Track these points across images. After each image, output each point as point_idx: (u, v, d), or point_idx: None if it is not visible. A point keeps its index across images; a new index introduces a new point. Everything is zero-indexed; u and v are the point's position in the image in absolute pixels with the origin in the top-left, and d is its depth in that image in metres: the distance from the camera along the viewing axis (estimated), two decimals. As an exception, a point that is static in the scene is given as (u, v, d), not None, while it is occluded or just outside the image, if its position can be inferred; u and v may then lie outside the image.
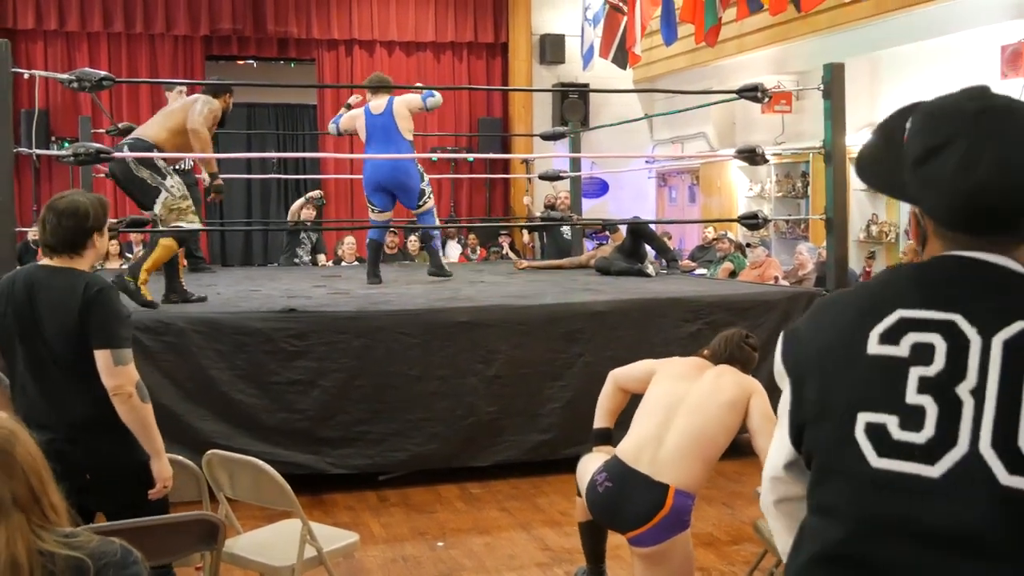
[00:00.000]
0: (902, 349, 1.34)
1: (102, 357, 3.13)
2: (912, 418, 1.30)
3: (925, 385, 1.30)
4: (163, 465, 3.27)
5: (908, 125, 1.52)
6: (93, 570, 1.82)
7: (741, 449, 6.06)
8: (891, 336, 1.35)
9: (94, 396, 3.16)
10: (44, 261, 3.29)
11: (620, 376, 3.98)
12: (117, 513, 3.12)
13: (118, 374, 3.14)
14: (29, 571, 1.80)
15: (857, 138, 9.57)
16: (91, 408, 3.18)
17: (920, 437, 1.29)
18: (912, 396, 1.31)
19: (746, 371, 3.82)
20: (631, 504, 3.48)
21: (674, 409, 3.61)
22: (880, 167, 1.52)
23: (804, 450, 1.46)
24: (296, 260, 10.72)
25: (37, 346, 3.19)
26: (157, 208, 5.95)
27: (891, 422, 1.31)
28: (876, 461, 1.32)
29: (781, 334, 1.50)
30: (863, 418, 1.34)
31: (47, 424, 3.08)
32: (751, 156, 6.69)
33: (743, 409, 3.59)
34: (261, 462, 3.57)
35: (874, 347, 1.35)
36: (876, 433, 1.32)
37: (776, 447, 1.56)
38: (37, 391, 3.22)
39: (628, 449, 3.58)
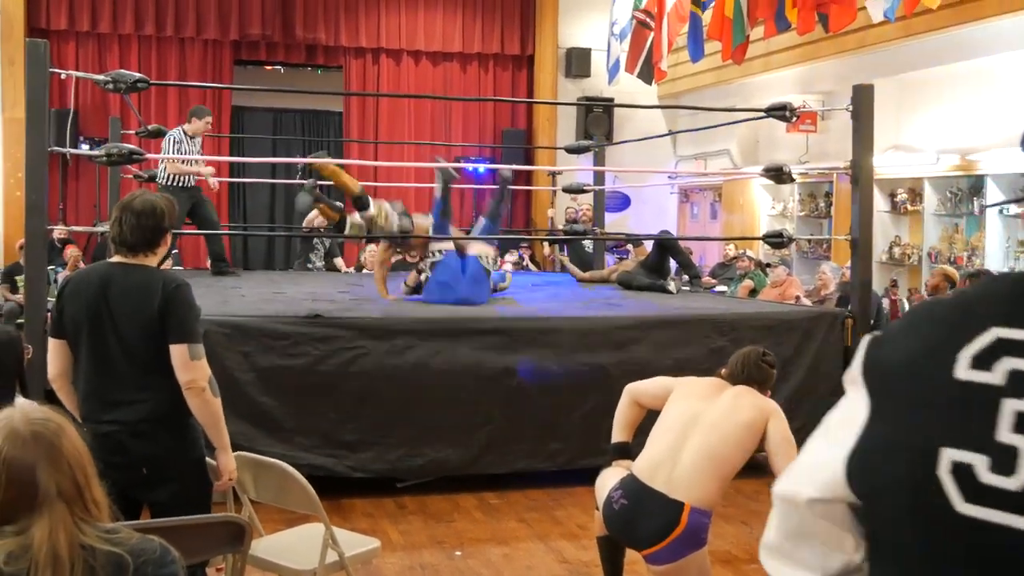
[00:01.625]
0: (996, 376, 1.13)
1: (178, 352, 3.21)
2: (1004, 459, 1.10)
3: (1022, 422, 1.10)
4: (228, 458, 3.40)
5: None
6: (132, 567, 1.85)
7: (760, 468, 6.04)
8: (984, 360, 1.15)
9: (161, 391, 3.25)
10: (117, 258, 3.37)
11: (636, 390, 4.00)
12: (167, 507, 3.18)
13: (193, 368, 3.22)
14: (69, 564, 1.83)
15: (882, 159, 9.56)
16: (157, 403, 3.26)
17: (1013, 483, 1.09)
18: (1005, 434, 1.10)
19: (764, 389, 3.84)
20: (647, 521, 3.50)
21: (690, 428, 3.63)
22: None
23: (858, 484, 1.22)
24: (309, 266, 10.79)
25: (108, 340, 3.26)
26: None
27: (979, 462, 1.11)
28: (962, 506, 1.11)
29: (865, 339, 1.30)
30: (948, 455, 1.13)
31: (111, 417, 3.17)
32: (778, 175, 6.70)
33: (760, 431, 3.62)
34: (287, 465, 3.60)
35: (964, 371, 1.15)
36: (963, 474, 1.12)
37: (811, 466, 1.30)
38: (103, 384, 3.29)
39: (644, 467, 3.62)
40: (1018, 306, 1.16)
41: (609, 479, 3.80)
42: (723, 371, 3.97)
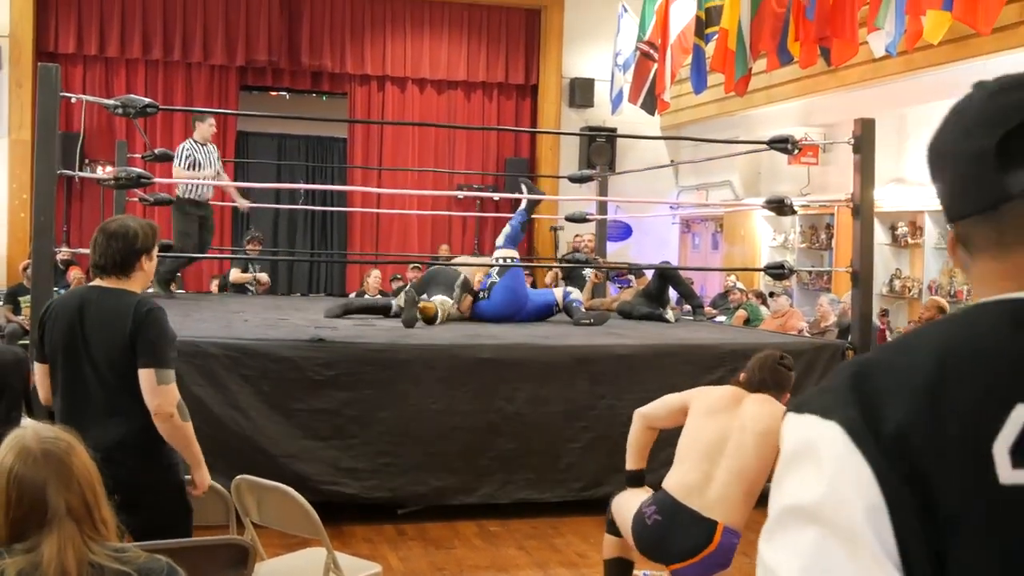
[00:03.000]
0: None
1: (146, 376, 3.20)
2: None
3: None
4: (203, 474, 3.38)
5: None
6: (141, 585, 1.88)
7: (760, 500, 6.04)
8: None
9: (134, 416, 3.23)
10: (96, 282, 3.37)
11: (649, 415, 4.01)
12: (143, 534, 3.16)
13: (160, 393, 3.21)
14: None
15: (884, 192, 9.61)
16: (128, 429, 3.25)
17: None
18: None
19: (782, 395, 3.88)
20: (680, 538, 3.57)
21: (720, 446, 3.68)
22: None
23: None
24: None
25: (82, 364, 3.26)
26: None
27: None
28: None
29: (841, 392, 0.93)
30: None
31: (83, 441, 3.15)
32: (779, 207, 6.74)
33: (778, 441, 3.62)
34: (289, 489, 3.61)
35: (1007, 472, 0.85)
36: None
37: None
38: (76, 408, 3.28)
39: (677, 485, 3.67)
40: None
41: (632, 499, 3.83)
42: (741, 376, 3.98)
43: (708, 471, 3.63)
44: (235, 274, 10.96)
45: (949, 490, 0.85)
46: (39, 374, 3.43)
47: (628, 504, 3.82)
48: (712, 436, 3.70)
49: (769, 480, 3.59)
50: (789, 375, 3.94)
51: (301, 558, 3.87)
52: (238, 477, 3.76)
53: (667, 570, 3.73)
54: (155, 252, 3.42)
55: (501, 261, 7.53)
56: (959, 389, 0.87)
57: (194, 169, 8.49)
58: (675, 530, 3.59)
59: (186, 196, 8.53)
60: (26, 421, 3.80)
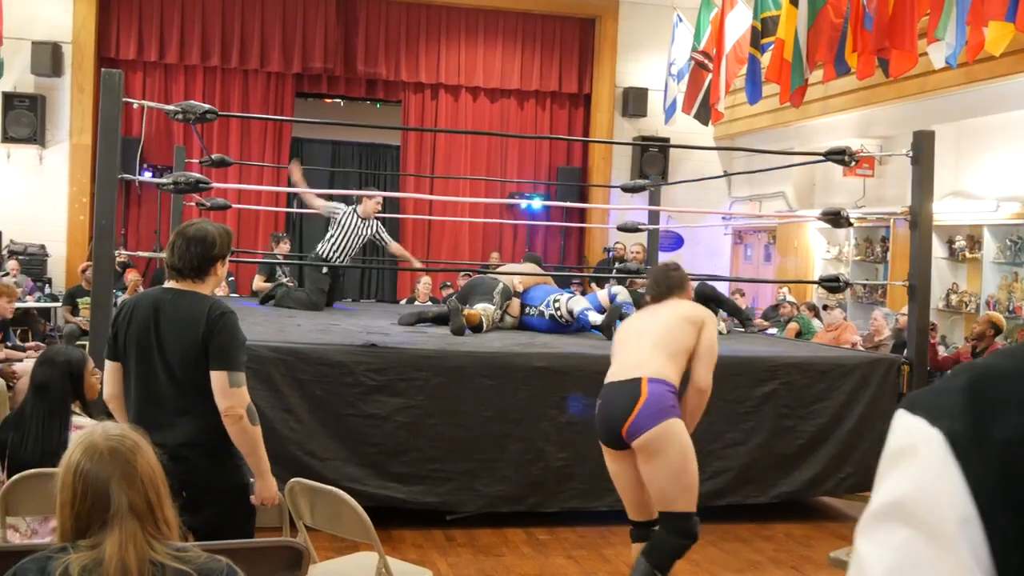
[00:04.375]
0: None
1: (218, 378, 3.27)
2: None
3: None
4: (267, 484, 3.41)
5: None
6: (201, 585, 1.90)
7: (811, 513, 6.00)
8: None
9: (203, 417, 3.29)
10: (170, 284, 3.46)
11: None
12: (206, 533, 3.20)
13: (231, 395, 3.28)
14: None
15: (941, 206, 9.48)
16: (198, 428, 3.31)
17: None
18: None
19: (684, 294, 4.38)
20: (617, 403, 3.97)
21: (641, 335, 4.16)
22: None
23: None
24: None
25: (154, 364, 3.34)
26: None
27: None
28: None
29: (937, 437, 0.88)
30: None
31: (153, 440, 3.21)
32: (835, 219, 6.67)
33: (699, 326, 4.11)
34: (342, 493, 3.63)
35: None
36: None
37: None
38: (147, 407, 3.36)
39: (609, 376, 4.13)
40: None
41: None
42: (647, 299, 4.46)
43: (632, 352, 4.09)
44: (258, 282, 10.29)
45: None
46: (108, 371, 3.51)
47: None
48: (635, 336, 4.19)
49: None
50: (680, 275, 4.40)
51: (353, 562, 3.89)
52: (292, 480, 3.79)
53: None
54: (228, 258, 3.50)
55: (556, 307, 7.29)
56: None
57: (341, 243, 8.35)
58: (611, 401, 4.00)
59: (325, 256, 8.34)
60: (83, 420, 3.86)
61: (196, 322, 3.30)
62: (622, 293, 7.32)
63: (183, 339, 3.31)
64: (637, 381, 3.93)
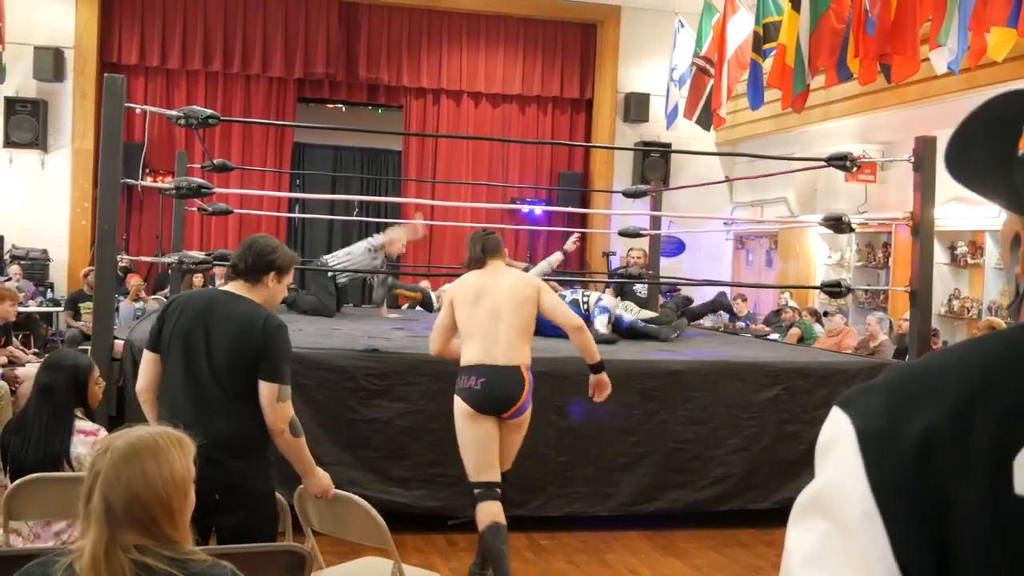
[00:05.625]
0: None
1: (268, 390, 3.31)
2: None
3: None
4: (315, 480, 3.53)
5: None
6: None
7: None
8: None
9: (238, 419, 3.32)
10: (229, 287, 3.52)
11: (439, 340, 4.84)
12: (234, 534, 3.22)
13: (278, 409, 3.32)
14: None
15: (943, 211, 9.48)
16: (233, 430, 3.33)
17: None
18: None
19: (503, 256, 4.85)
20: (506, 388, 4.54)
21: (495, 314, 4.59)
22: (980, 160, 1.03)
23: None
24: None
25: (199, 362, 3.35)
26: None
27: None
28: None
29: (849, 431, 0.92)
30: None
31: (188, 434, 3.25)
32: (837, 224, 6.67)
33: (536, 303, 4.67)
34: (357, 497, 3.62)
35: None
36: None
37: None
38: (186, 404, 3.36)
39: (480, 354, 4.57)
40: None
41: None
42: (465, 260, 4.88)
43: (494, 333, 4.56)
44: None
45: (963, 499, 0.85)
46: (145, 362, 3.54)
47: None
48: (485, 312, 4.60)
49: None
50: (496, 238, 4.86)
51: (360, 566, 3.88)
52: (301, 486, 3.78)
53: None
54: (286, 281, 3.55)
55: (586, 297, 7.68)
56: (996, 403, 0.87)
57: (350, 268, 8.33)
58: (498, 385, 4.52)
59: (337, 272, 8.33)
60: (86, 424, 3.86)
61: (250, 329, 3.32)
62: (602, 304, 7.48)
63: (234, 342, 3.33)
64: (517, 369, 4.58)
